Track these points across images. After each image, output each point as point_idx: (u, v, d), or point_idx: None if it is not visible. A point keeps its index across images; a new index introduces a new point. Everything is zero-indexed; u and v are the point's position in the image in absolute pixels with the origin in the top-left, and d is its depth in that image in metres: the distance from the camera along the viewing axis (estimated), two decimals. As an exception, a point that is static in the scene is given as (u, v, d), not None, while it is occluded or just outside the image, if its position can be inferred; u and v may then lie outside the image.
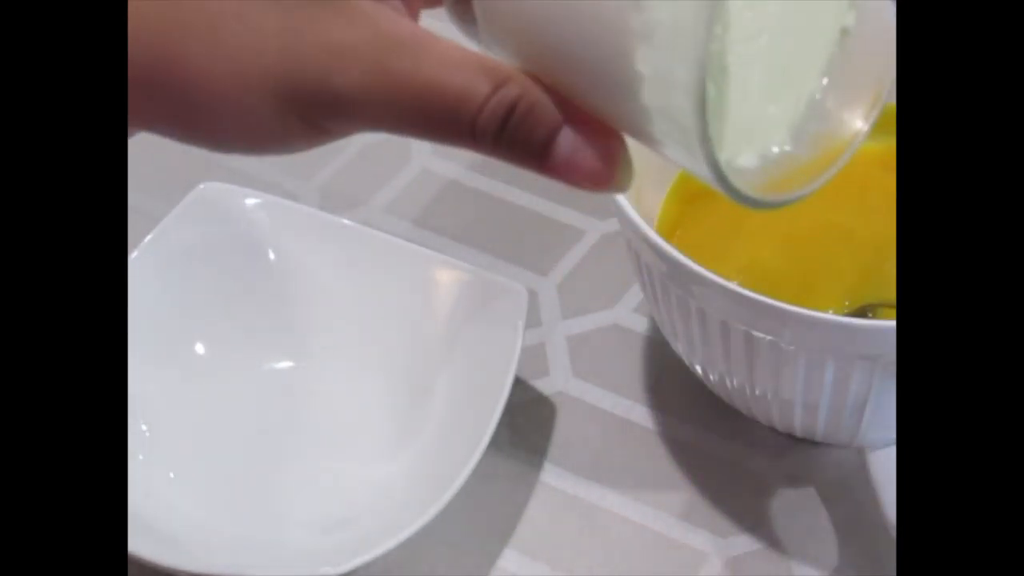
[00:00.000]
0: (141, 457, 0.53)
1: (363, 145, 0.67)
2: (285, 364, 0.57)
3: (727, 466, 0.54)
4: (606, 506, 0.54)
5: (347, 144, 0.67)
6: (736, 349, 0.48)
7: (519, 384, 0.57)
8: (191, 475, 0.53)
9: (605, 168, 0.33)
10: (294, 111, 0.34)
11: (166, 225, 0.57)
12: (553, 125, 0.33)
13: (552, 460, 0.55)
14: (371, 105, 0.33)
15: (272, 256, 0.58)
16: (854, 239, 0.54)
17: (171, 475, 0.53)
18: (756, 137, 0.34)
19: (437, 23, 0.37)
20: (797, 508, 0.53)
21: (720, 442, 0.55)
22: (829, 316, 0.46)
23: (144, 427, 0.54)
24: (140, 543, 0.47)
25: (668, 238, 0.48)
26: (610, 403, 0.57)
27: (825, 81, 0.34)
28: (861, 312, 0.51)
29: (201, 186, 0.58)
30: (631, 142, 0.34)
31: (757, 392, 0.50)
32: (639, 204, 0.49)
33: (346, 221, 0.59)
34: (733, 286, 0.46)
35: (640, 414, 0.56)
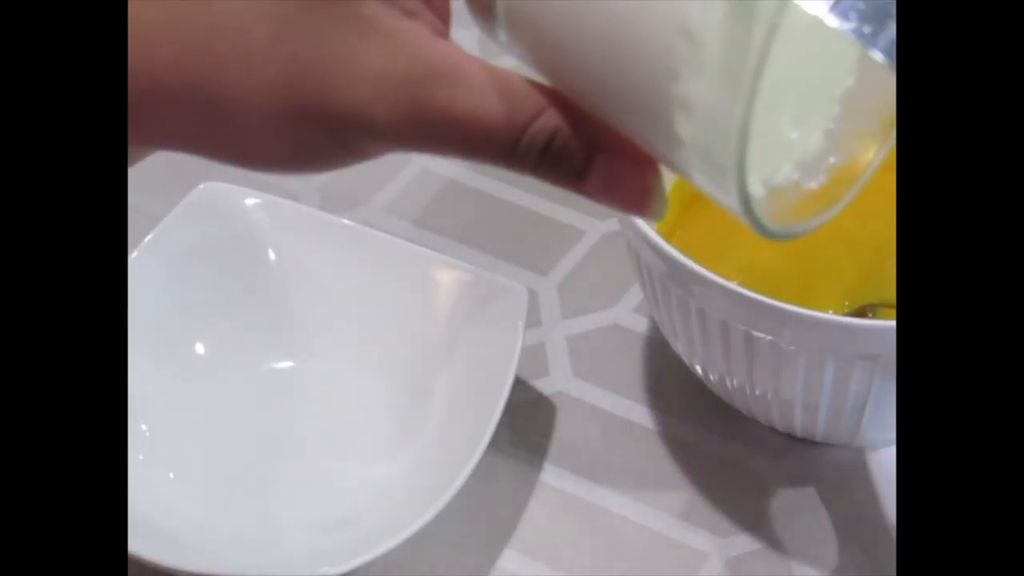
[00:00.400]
0: (141, 457, 0.53)
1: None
2: (285, 364, 0.57)
3: (727, 466, 0.54)
4: (606, 506, 0.54)
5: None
6: (736, 349, 0.48)
7: (519, 384, 0.57)
8: (191, 475, 0.53)
9: (639, 198, 0.35)
10: (332, 136, 0.34)
11: (166, 225, 0.57)
12: (590, 153, 0.34)
13: (552, 460, 0.55)
14: (406, 136, 0.34)
15: (272, 256, 0.58)
16: (854, 239, 0.53)
17: (171, 475, 0.53)
18: (770, 166, 0.34)
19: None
20: (797, 508, 0.53)
21: (720, 442, 0.55)
22: (829, 316, 0.46)
23: (144, 427, 0.54)
24: (140, 543, 0.47)
25: (668, 238, 0.48)
26: (610, 403, 0.57)
27: (838, 110, 0.34)
28: (861, 312, 0.51)
29: (201, 186, 0.58)
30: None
31: (757, 392, 0.50)
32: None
33: (346, 221, 0.59)
34: (733, 286, 0.46)
35: (640, 414, 0.56)
